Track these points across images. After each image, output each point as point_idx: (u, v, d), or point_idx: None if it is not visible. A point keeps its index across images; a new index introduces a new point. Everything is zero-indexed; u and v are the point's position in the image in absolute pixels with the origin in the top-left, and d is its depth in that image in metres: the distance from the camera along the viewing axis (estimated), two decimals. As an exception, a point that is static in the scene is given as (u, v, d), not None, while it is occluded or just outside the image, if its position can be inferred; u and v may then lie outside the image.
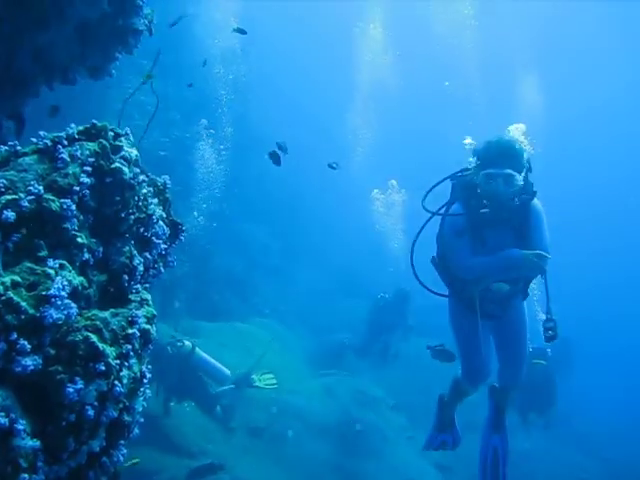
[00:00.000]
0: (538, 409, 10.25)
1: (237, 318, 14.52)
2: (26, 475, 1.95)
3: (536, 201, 4.80)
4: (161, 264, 2.87)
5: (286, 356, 13.56)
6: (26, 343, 2.01)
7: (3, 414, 1.92)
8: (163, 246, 2.77)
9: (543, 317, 4.80)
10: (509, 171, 4.53)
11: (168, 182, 2.95)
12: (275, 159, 6.46)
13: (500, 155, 4.60)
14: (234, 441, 10.19)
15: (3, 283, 2.04)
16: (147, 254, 2.67)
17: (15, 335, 2.00)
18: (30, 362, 2.01)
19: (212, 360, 9.16)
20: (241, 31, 8.20)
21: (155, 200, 2.76)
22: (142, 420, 2.43)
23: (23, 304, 2.04)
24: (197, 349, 8.84)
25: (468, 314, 4.94)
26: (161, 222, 2.74)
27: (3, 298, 2.01)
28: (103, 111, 10.75)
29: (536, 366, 9.62)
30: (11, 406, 1.97)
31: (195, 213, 13.72)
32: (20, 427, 1.95)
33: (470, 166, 4.88)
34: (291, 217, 19.84)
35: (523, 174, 4.65)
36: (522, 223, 4.73)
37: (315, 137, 25.67)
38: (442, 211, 4.96)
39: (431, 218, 4.95)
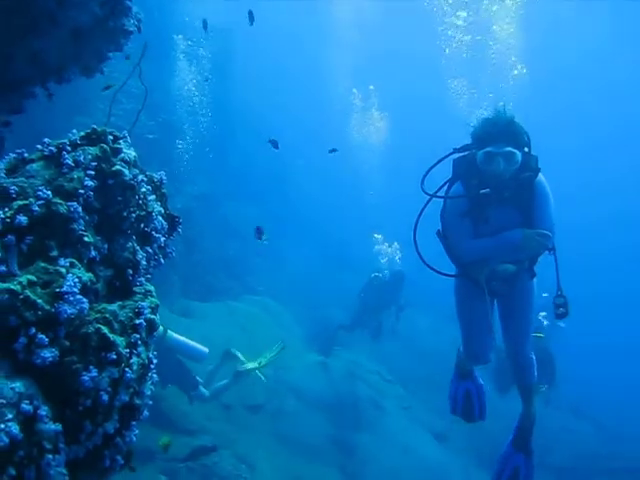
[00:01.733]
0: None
1: (230, 297, 14.76)
2: (50, 455, 2.18)
3: (541, 177, 4.66)
4: (160, 255, 3.07)
5: (280, 332, 13.83)
6: (44, 337, 2.23)
7: (27, 401, 2.14)
8: (162, 239, 2.98)
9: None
10: (509, 149, 4.44)
11: (164, 178, 3.14)
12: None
13: (499, 132, 4.49)
14: (233, 418, 10.45)
15: (20, 282, 2.25)
16: (148, 248, 2.88)
17: (34, 330, 2.21)
18: (48, 354, 2.23)
19: (186, 340, 9.12)
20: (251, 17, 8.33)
21: (153, 197, 2.97)
22: (151, 403, 2.66)
23: (39, 301, 2.25)
24: (169, 331, 8.83)
25: (474, 294, 4.87)
26: (160, 217, 2.95)
27: (21, 296, 2.22)
28: (92, 98, 10.87)
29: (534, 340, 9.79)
30: (34, 394, 2.19)
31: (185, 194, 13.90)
32: (43, 413, 2.17)
33: (468, 144, 4.77)
34: (279, 196, 20.03)
35: (524, 150, 4.57)
36: (526, 201, 4.60)
37: (302, 112, 25.82)
38: (443, 192, 4.86)
39: (430, 200, 4.85)
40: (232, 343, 11.32)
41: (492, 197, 4.52)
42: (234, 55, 18.83)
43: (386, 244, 14.82)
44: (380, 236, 15.23)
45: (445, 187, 4.90)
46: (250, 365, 10.03)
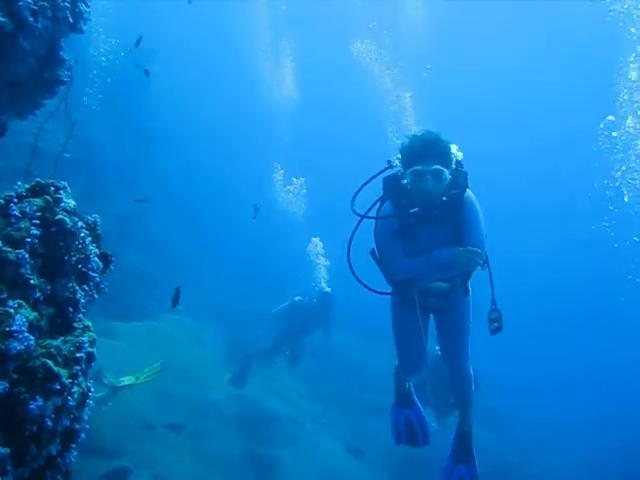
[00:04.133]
0: (449, 405, 9.97)
1: (150, 317, 14.80)
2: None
3: (469, 193, 4.67)
4: (95, 292, 3.43)
5: (200, 352, 14.06)
6: (-4, 370, 2.56)
7: (-20, 430, 2.47)
8: (98, 278, 3.34)
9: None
10: (437, 167, 4.42)
11: (98, 220, 3.50)
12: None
13: (426, 150, 4.47)
14: (154, 438, 10.59)
15: (-26, 323, 2.58)
16: (85, 286, 3.24)
17: (-14, 365, 2.55)
18: (0, 386, 2.57)
19: None
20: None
21: (89, 239, 3.32)
22: (87, 427, 3.01)
23: (-9, 339, 2.59)
24: None
25: (408, 309, 4.87)
26: (96, 258, 3.32)
27: (-25, 335, 2.56)
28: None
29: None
30: (-14, 422, 2.52)
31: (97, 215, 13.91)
32: (-6, 438, 2.51)
33: (397, 161, 4.73)
34: (195, 214, 20.25)
35: (452, 167, 4.55)
36: (455, 218, 4.59)
37: (222, 129, 26.17)
38: (374, 211, 4.80)
39: (360, 222, 4.83)
40: (152, 363, 11.54)
41: (421, 216, 4.52)
42: (153, 73, 19.03)
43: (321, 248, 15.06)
44: (318, 240, 15.47)
45: (376, 206, 4.84)
46: (127, 380, 10.24)
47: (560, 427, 17.92)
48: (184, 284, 16.75)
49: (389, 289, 5.10)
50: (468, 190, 4.67)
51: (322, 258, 14.99)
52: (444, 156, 4.52)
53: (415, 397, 5.75)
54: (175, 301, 4.91)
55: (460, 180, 4.62)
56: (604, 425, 18.49)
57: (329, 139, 30.81)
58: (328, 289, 13.38)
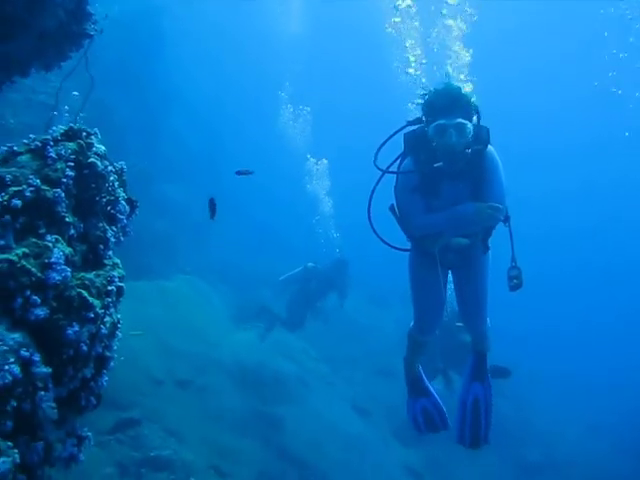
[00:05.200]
0: (458, 369, 10.37)
1: (160, 276, 15.17)
2: (42, 392, 2.80)
3: (491, 148, 4.72)
4: (121, 234, 3.69)
5: (209, 311, 14.42)
6: (37, 298, 2.84)
7: (25, 349, 2.75)
8: (125, 220, 3.60)
9: None
10: (460, 120, 4.45)
11: (125, 167, 3.75)
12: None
13: (450, 104, 4.50)
14: (162, 393, 10.99)
15: (17, 254, 2.85)
16: (114, 227, 3.50)
17: (28, 292, 2.82)
18: (41, 312, 2.84)
19: None
20: None
21: (117, 183, 3.58)
22: (116, 356, 3.29)
23: (33, 269, 2.86)
24: None
25: (427, 266, 4.95)
26: (123, 201, 3.57)
27: (18, 265, 2.82)
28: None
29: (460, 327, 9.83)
30: (29, 344, 2.80)
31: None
32: (36, 358, 2.79)
33: (419, 117, 4.78)
34: (210, 175, 20.46)
35: (474, 121, 4.60)
36: (477, 173, 4.65)
37: (236, 95, 26.24)
38: (395, 167, 4.87)
39: (382, 176, 4.88)
40: (162, 322, 11.88)
41: (444, 171, 4.58)
42: (165, 36, 19.16)
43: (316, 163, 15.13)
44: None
45: (396, 163, 4.91)
46: None
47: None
48: (195, 246, 17.19)
49: (407, 246, 5.23)
50: (490, 146, 4.72)
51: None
52: (467, 110, 4.55)
53: (426, 382, 5.90)
54: (212, 211, 5.04)
55: (482, 135, 4.65)
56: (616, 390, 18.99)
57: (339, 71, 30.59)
58: (342, 255, 13.73)
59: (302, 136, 21.19)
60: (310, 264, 13.64)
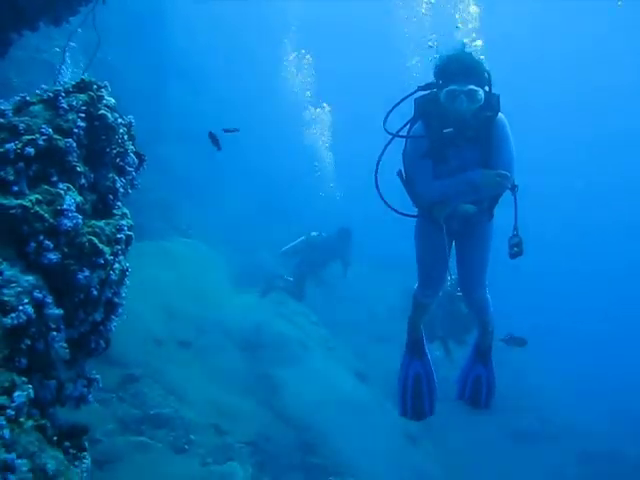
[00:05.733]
0: (457, 338, 10.81)
1: (161, 238, 15.27)
2: (54, 333, 2.95)
3: (501, 116, 4.73)
4: (129, 186, 3.81)
5: (210, 274, 14.58)
6: (50, 243, 2.97)
7: (38, 290, 2.89)
8: (134, 173, 3.72)
9: None
10: (472, 87, 4.45)
11: (133, 121, 3.85)
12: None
13: (461, 69, 4.51)
14: (163, 353, 11.20)
15: (30, 200, 2.97)
16: (122, 179, 3.62)
17: (42, 237, 2.95)
18: (53, 256, 2.98)
19: None
20: None
21: (127, 136, 3.69)
22: (125, 303, 3.44)
23: (46, 215, 2.99)
24: None
25: (433, 232, 4.99)
26: (132, 154, 3.69)
27: (32, 211, 2.95)
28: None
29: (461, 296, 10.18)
30: (42, 286, 2.94)
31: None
32: (49, 300, 2.93)
33: (431, 82, 4.73)
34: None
35: (486, 88, 4.59)
36: (487, 140, 4.68)
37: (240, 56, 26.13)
38: (404, 132, 4.86)
39: (392, 140, 4.84)
40: (163, 283, 12.05)
41: (454, 137, 4.60)
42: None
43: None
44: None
45: (406, 128, 4.90)
46: None
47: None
48: (197, 209, 17.29)
49: (414, 212, 5.26)
50: (500, 113, 4.73)
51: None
52: (478, 76, 4.56)
53: (426, 346, 5.97)
54: (216, 143, 4.98)
55: (493, 102, 4.66)
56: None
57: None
58: (346, 224, 13.71)
59: (304, 87, 21.03)
60: (313, 233, 13.71)
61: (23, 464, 2.44)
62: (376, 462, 11.27)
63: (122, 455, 8.67)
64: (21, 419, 2.62)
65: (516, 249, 4.73)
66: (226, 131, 5.87)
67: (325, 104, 18.36)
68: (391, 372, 13.96)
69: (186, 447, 9.43)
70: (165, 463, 8.87)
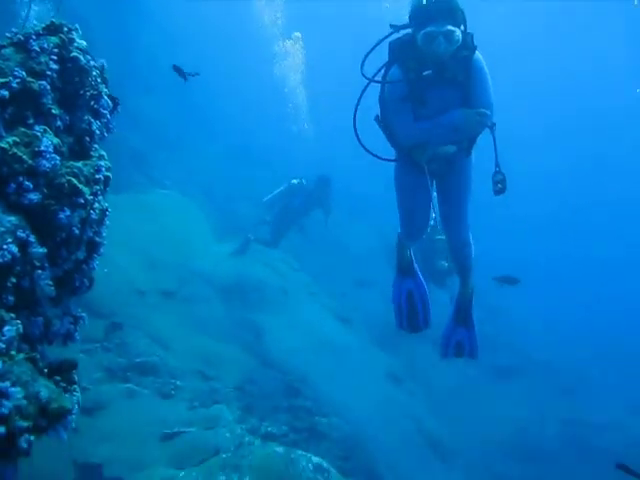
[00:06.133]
0: (438, 281, 10.66)
1: (139, 191, 15.21)
2: (39, 271, 3.06)
3: (478, 55, 4.68)
4: (105, 130, 3.88)
5: (190, 224, 14.65)
6: (29, 184, 3.06)
7: (21, 230, 2.99)
8: (108, 116, 3.78)
9: None
10: (449, 27, 4.37)
11: (105, 64, 3.90)
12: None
13: (438, 10, 4.39)
14: (146, 303, 11.35)
15: (8, 142, 3.05)
16: (98, 122, 3.68)
17: (21, 178, 3.04)
18: (34, 196, 3.08)
19: None
20: None
21: (100, 79, 3.74)
22: (105, 243, 3.54)
23: (24, 157, 3.07)
24: None
25: (414, 175, 5.01)
26: (106, 97, 3.74)
27: (10, 152, 3.03)
28: None
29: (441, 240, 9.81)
30: (25, 226, 3.04)
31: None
32: (32, 239, 3.04)
33: (406, 23, 4.64)
34: (188, 88, 20.21)
35: (462, 28, 4.51)
36: (464, 80, 4.62)
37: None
38: (380, 76, 4.77)
39: (368, 85, 4.77)
40: (143, 234, 12.13)
41: (432, 79, 4.54)
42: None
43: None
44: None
45: (381, 72, 4.80)
46: None
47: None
48: (173, 161, 17.23)
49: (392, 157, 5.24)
50: (477, 52, 4.68)
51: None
52: (455, 16, 4.45)
53: (417, 267, 6.01)
54: (181, 74, 4.88)
55: (468, 41, 4.61)
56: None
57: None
58: (325, 172, 13.65)
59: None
60: (294, 181, 13.71)
61: (17, 392, 2.58)
62: (360, 402, 11.59)
63: (110, 402, 8.86)
64: (12, 352, 2.75)
65: (500, 186, 4.71)
66: (175, 69, 5.77)
67: (297, 33, 18.03)
68: (373, 315, 14.38)
69: (173, 393, 9.64)
70: (152, 408, 9.08)
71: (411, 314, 5.94)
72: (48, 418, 2.70)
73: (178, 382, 9.90)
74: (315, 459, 8.23)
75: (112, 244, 11.62)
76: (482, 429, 13.23)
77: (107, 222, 3.57)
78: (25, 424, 2.57)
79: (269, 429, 9.76)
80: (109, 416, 8.59)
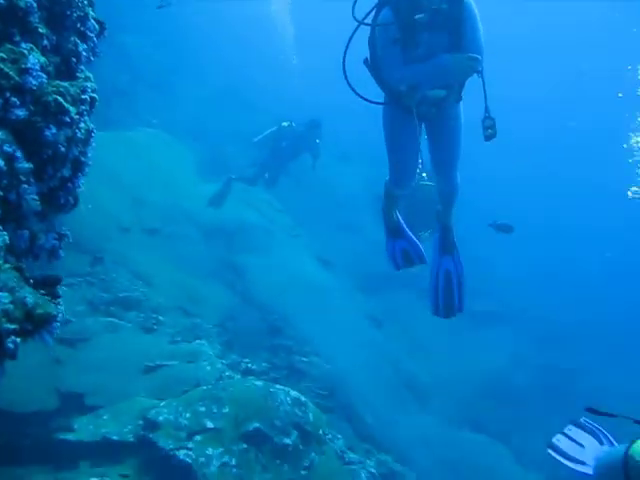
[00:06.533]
0: (415, 233, 11.17)
1: (125, 128, 15.16)
2: (25, 185, 3.16)
3: (470, 0, 4.66)
4: (91, 54, 3.94)
5: (175, 164, 14.66)
6: (16, 100, 3.13)
7: (7, 145, 3.08)
8: (95, 39, 3.84)
9: None
10: None
11: (92, -14, 3.93)
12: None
13: None
14: (130, 240, 11.47)
15: (-5, 58, 3.11)
16: (84, 44, 3.74)
17: (8, 94, 3.11)
18: (20, 112, 3.15)
19: None
20: None
21: (86, 1, 3.78)
22: (91, 164, 3.64)
23: (11, 73, 3.14)
24: None
25: (403, 118, 4.99)
26: (92, 20, 3.79)
27: (-4, 68, 3.10)
28: None
29: (423, 187, 9.86)
30: (12, 141, 3.13)
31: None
32: (19, 154, 3.13)
33: None
34: (177, 28, 19.98)
35: None
36: (455, 24, 4.61)
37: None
38: (370, 19, 4.74)
39: (358, 27, 4.70)
40: (128, 172, 12.16)
41: (423, 22, 4.52)
42: None
43: None
44: None
45: (372, 14, 4.77)
46: None
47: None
48: (160, 100, 17.09)
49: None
50: None
51: None
52: None
53: (405, 227, 6.12)
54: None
55: None
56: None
57: None
58: (315, 116, 13.62)
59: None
60: (285, 123, 13.67)
61: (4, 296, 2.72)
62: (340, 343, 11.87)
63: (92, 334, 9.05)
64: (-1, 260, 2.88)
65: (490, 131, 4.74)
66: (159, 7, 5.68)
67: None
68: (356, 258, 14.58)
69: (155, 327, 9.87)
70: (135, 341, 9.30)
71: (406, 261, 6.11)
72: (34, 322, 2.83)
73: (160, 317, 10.12)
74: (293, 393, 8.52)
75: (96, 181, 11.69)
76: (459, 373, 13.64)
77: (93, 143, 3.66)
78: (12, 327, 2.70)
79: (249, 365, 10.03)
80: (92, 348, 8.80)
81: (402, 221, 6.14)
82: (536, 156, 28.35)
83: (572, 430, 3.10)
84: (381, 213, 6.12)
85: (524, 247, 20.64)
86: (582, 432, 3.09)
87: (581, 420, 3.15)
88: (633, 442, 2.75)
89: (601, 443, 3.02)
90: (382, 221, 6.14)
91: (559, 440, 3.05)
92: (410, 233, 6.13)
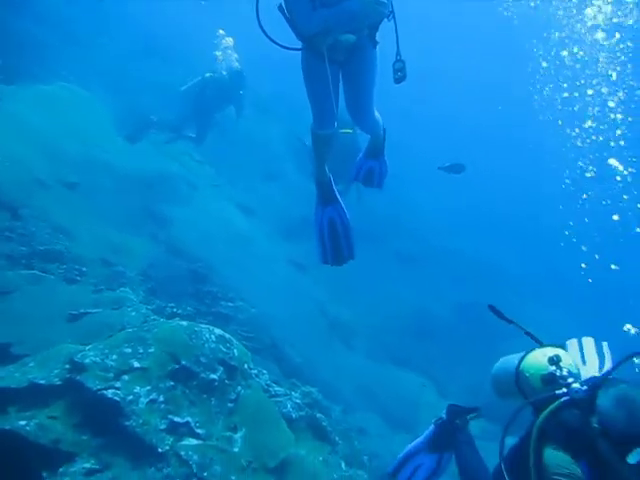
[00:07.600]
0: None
1: (39, 82, 14.83)
2: None
3: None
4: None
5: (93, 118, 14.55)
6: None
7: None
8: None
9: None
10: None
11: None
12: None
13: None
14: (49, 194, 11.44)
15: None
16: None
17: None
18: None
19: None
20: None
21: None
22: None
23: None
24: None
25: (318, 63, 5.02)
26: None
27: None
28: None
29: (343, 135, 9.92)
30: None
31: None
32: None
33: None
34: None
35: None
36: None
37: None
38: None
39: None
40: (44, 126, 12.08)
41: None
42: None
43: None
44: None
45: None
46: None
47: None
48: (74, 54, 16.80)
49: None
50: None
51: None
52: None
53: (335, 189, 6.14)
54: None
55: None
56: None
57: None
58: (239, 67, 13.68)
59: None
60: (208, 74, 13.67)
61: None
62: (266, 288, 12.26)
63: (15, 287, 9.12)
64: None
65: (400, 74, 4.87)
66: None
67: None
68: (278, 207, 14.97)
69: (78, 278, 9.98)
70: (58, 292, 9.40)
71: (334, 243, 6.11)
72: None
73: (83, 268, 10.23)
74: (217, 331, 8.84)
75: (11, 135, 11.60)
76: (382, 311, 14.26)
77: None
78: None
79: (174, 310, 10.31)
80: (15, 300, 8.88)
81: (333, 182, 6.18)
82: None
83: None
84: (313, 166, 6.24)
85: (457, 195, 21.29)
86: None
87: None
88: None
89: None
90: (314, 178, 6.20)
91: None
92: (341, 201, 6.17)
